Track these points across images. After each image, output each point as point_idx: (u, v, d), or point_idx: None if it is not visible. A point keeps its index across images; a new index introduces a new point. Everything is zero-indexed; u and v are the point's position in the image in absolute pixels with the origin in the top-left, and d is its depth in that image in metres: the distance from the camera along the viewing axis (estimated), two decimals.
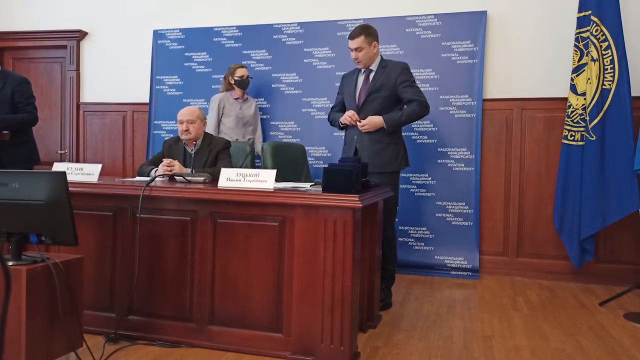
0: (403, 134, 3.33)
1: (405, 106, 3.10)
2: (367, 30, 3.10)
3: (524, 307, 3.21)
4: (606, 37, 3.57)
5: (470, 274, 3.97)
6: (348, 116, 3.11)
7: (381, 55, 3.21)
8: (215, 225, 2.40)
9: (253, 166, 3.72)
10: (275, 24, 4.50)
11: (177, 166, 2.95)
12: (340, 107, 3.34)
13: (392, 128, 3.07)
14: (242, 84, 4.17)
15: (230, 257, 2.38)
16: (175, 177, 2.81)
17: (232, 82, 4.17)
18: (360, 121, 3.08)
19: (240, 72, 4.16)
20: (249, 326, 2.36)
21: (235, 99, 4.17)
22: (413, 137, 4.17)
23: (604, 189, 3.55)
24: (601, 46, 3.58)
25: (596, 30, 3.59)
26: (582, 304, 3.31)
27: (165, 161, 2.97)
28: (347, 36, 3.18)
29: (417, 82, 3.19)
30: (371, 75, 3.16)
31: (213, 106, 4.15)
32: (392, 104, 3.11)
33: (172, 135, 3.90)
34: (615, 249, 3.84)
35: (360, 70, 3.22)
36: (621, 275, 3.76)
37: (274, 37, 4.50)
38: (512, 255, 4.05)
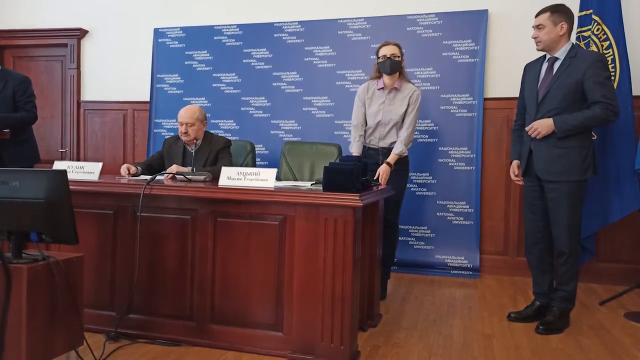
0: None
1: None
2: (555, 8, 2.70)
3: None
4: (607, 36, 3.56)
5: (471, 273, 3.97)
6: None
7: (573, 43, 2.78)
8: (216, 224, 2.40)
9: (254, 165, 3.72)
10: (276, 23, 4.50)
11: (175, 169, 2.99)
12: (521, 103, 2.94)
13: (564, 133, 2.64)
14: (384, 66, 3.09)
15: (230, 256, 2.38)
16: (176, 176, 2.82)
17: (377, 66, 3.20)
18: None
19: (383, 51, 3.11)
20: (249, 325, 2.36)
21: (379, 89, 3.18)
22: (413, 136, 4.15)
23: (604, 189, 3.54)
24: (602, 45, 3.58)
25: (597, 29, 3.58)
26: (582, 303, 3.30)
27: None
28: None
29: (610, 78, 2.70)
30: (556, 65, 2.72)
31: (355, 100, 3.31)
32: (578, 102, 2.65)
33: (172, 134, 3.89)
34: (616, 248, 3.84)
35: (544, 58, 2.81)
36: (621, 275, 3.76)
37: (275, 35, 4.50)
38: (512, 255, 4.05)
